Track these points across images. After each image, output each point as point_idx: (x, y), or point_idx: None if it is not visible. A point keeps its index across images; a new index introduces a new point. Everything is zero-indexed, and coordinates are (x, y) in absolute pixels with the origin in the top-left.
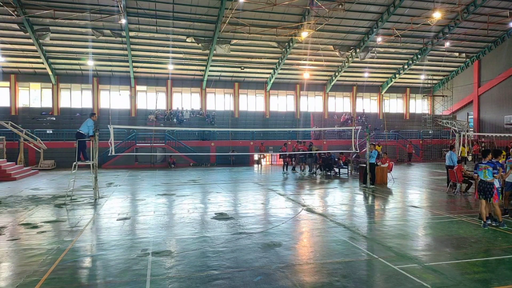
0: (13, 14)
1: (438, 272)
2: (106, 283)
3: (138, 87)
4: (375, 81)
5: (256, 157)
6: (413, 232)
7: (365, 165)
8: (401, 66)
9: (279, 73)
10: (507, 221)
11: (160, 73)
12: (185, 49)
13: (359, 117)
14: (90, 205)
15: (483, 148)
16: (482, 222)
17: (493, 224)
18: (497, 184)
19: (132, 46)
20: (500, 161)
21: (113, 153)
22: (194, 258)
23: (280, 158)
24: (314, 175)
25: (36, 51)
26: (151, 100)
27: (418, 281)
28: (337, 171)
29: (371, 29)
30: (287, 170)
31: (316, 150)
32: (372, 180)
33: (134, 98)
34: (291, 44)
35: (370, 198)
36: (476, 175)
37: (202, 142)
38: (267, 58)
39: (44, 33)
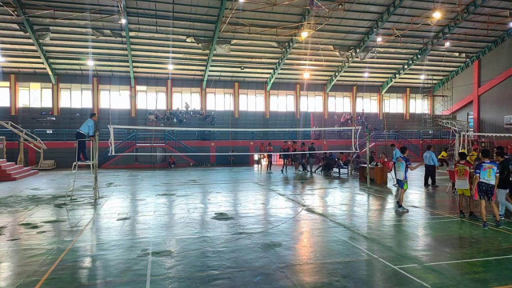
0: (13, 14)
1: (438, 272)
2: (106, 283)
3: (138, 87)
4: (375, 81)
5: (256, 157)
6: (413, 232)
7: (365, 165)
8: (401, 66)
9: (279, 73)
10: (509, 222)
11: (160, 73)
12: (185, 49)
13: (359, 117)
14: (90, 205)
15: (482, 148)
16: (482, 222)
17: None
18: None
19: (132, 46)
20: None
21: (113, 153)
22: (194, 258)
23: (267, 157)
24: (311, 174)
25: (36, 51)
26: (151, 100)
27: (418, 281)
28: (337, 171)
29: (371, 29)
30: (286, 169)
31: (308, 151)
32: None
33: (134, 98)
34: (291, 44)
35: (370, 198)
36: (478, 174)
37: (202, 142)
38: (267, 58)
39: (44, 33)
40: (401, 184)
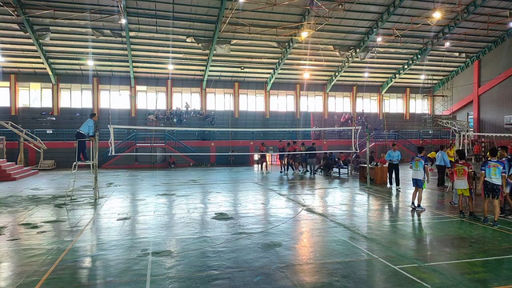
0: (13, 14)
1: (438, 272)
2: (106, 283)
3: (138, 87)
4: (375, 81)
5: (256, 157)
6: (413, 232)
7: (365, 165)
8: (401, 66)
9: (279, 73)
10: (508, 221)
11: (160, 73)
12: (185, 49)
13: (359, 117)
14: (90, 205)
15: (482, 147)
16: (483, 217)
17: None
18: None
19: (132, 46)
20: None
21: (113, 153)
22: (194, 258)
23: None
24: (311, 174)
25: (36, 51)
26: (151, 100)
27: (418, 281)
28: (337, 171)
29: (371, 29)
30: (285, 170)
31: (305, 150)
32: (397, 181)
33: (134, 98)
34: (291, 44)
35: (370, 198)
36: (483, 171)
37: (202, 142)
38: (267, 58)
39: (44, 33)
40: (420, 183)
